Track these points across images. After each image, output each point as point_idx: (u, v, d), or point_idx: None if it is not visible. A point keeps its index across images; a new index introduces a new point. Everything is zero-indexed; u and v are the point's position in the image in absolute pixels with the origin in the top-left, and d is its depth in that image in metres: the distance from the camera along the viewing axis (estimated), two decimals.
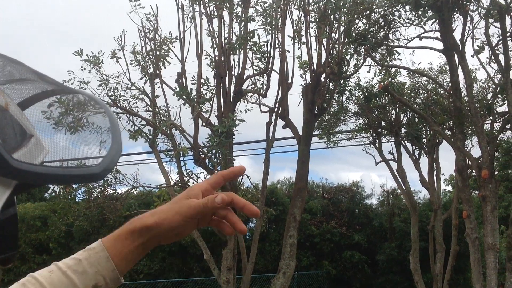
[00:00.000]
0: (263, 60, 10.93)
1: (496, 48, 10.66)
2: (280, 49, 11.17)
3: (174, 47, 10.55)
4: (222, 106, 10.35)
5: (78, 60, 10.41)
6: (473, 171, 10.93)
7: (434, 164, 15.98)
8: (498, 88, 11.92)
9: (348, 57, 11.81)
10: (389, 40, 11.53)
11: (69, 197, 12.51)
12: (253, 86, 11.36)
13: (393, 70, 14.62)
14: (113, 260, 0.95)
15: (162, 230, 1.01)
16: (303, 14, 11.27)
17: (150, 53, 10.62)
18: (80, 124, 0.90)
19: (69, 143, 0.92)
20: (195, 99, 9.72)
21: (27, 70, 0.83)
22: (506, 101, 10.40)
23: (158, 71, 10.54)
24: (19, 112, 0.77)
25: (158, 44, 10.52)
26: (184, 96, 9.56)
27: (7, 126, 0.70)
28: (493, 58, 10.76)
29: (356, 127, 16.68)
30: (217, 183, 1.13)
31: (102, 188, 11.47)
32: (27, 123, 0.78)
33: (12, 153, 0.68)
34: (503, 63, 10.11)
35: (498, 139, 12.47)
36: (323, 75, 11.19)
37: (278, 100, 11.30)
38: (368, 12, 10.75)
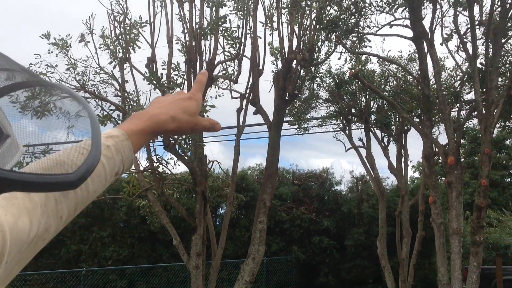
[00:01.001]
0: (234, 46, 10.87)
1: (464, 37, 10.82)
2: (252, 35, 11.13)
3: (144, 31, 10.40)
4: None
5: (45, 43, 10.19)
6: (440, 158, 11.12)
7: (402, 151, 16.20)
8: (466, 76, 12.12)
9: (319, 44, 11.85)
10: (360, 28, 11.59)
11: None
12: (224, 72, 11.30)
13: (363, 57, 14.72)
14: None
15: (174, 133, 1.15)
16: (275, 0, 11.23)
17: (120, 37, 10.44)
18: (47, 108, 0.88)
19: (36, 128, 0.89)
20: (165, 84, 9.62)
21: (4, 59, 0.80)
22: (473, 89, 10.58)
23: (127, 56, 10.38)
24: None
25: (128, 28, 10.35)
26: (154, 81, 9.44)
27: None
28: (461, 46, 10.93)
29: (327, 114, 16.78)
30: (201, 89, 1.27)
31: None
32: (4, 121, 0.75)
33: None
34: (470, 52, 10.28)
35: (465, 126, 12.72)
36: (294, 62, 11.20)
37: (249, 86, 11.29)
38: None
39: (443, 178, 13.16)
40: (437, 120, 14.37)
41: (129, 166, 1.07)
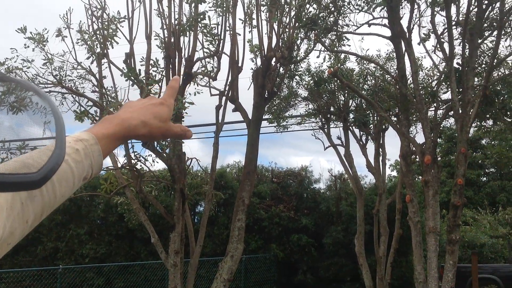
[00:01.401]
0: (213, 42, 10.83)
1: (441, 37, 10.94)
2: (231, 32, 11.10)
3: (123, 26, 10.31)
4: None
5: (20, 37, 10.03)
6: (417, 156, 11.22)
7: (380, 149, 16.33)
8: (443, 76, 12.26)
9: (298, 42, 11.87)
10: (339, 26, 11.64)
11: None
12: (203, 68, 11.25)
13: (342, 56, 14.80)
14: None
15: (145, 139, 1.12)
16: None
17: (97, 32, 10.33)
18: (23, 104, 0.86)
19: (12, 123, 0.87)
20: (144, 81, 9.55)
21: None
22: (449, 89, 10.70)
23: (105, 51, 10.27)
24: None
25: (106, 23, 10.25)
26: (132, 77, 9.37)
27: None
28: (438, 46, 11.04)
29: (306, 112, 16.84)
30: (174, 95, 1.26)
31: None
32: None
33: None
34: (447, 52, 10.39)
35: (441, 126, 12.85)
36: (274, 60, 11.21)
37: (228, 83, 11.26)
38: None
39: (420, 177, 13.29)
40: (414, 119, 14.52)
41: (98, 171, 1.06)
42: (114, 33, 10.23)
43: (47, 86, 10.36)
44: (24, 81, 0.88)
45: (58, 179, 0.93)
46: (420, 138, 12.31)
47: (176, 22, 10.26)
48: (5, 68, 10.03)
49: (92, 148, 1.01)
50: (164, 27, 10.25)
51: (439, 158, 11.65)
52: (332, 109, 16.46)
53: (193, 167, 12.86)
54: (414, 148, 11.27)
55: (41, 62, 10.31)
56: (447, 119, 13.43)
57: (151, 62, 10.11)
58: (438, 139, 12.85)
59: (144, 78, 9.64)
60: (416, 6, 10.78)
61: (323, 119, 16.69)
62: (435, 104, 13.16)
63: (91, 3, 10.20)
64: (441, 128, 12.71)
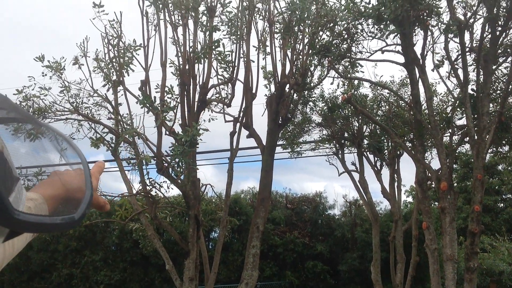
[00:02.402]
0: (227, 69, 10.96)
1: (455, 63, 10.93)
2: (245, 59, 11.21)
3: (138, 54, 10.47)
4: (186, 115, 10.30)
5: (38, 65, 10.22)
6: (433, 183, 11.12)
7: (395, 175, 16.21)
8: (457, 101, 12.21)
9: (312, 69, 11.93)
10: (352, 53, 11.69)
11: None
12: (217, 95, 11.36)
13: (356, 82, 14.82)
14: None
15: (77, 203, 1.10)
16: (268, 25, 11.35)
17: (114, 60, 10.50)
18: (40, 131, 0.89)
19: (29, 149, 0.91)
20: (159, 107, 9.65)
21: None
22: (464, 115, 10.65)
23: (121, 79, 10.42)
24: (8, 154, 0.76)
25: (122, 51, 10.41)
26: (147, 104, 9.47)
27: (3, 171, 0.69)
28: (452, 72, 11.02)
29: (320, 138, 16.82)
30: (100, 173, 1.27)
31: None
32: (13, 164, 0.77)
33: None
34: (462, 78, 10.37)
35: (457, 151, 12.75)
36: (287, 86, 11.27)
37: (242, 109, 11.33)
38: (331, 24, 10.90)
39: (436, 203, 13.15)
40: (429, 145, 14.42)
41: (16, 252, 1.10)
42: (130, 61, 10.39)
43: (64, 113, 10.51)
44: (54, 128, 0.93)
45: None
46: (435, 164, 12.23)
47: (190, 49, 10.39)
48: (23, 95, 10.21)
49: (41, 206, 1.06)
50: (179, 54, 10.39)
51: (455, 184, 11.56)
52: (346, 135, 16.43)
53: (207, 193, 12.86)
54: (429, 174, 11.17)
55: (58, 89, 10.49)
56: (462, 145, 13.33)
57: (166, 89, 10.23)
58: (454, 165, 12.74)
59: (159, 105, 9.74)
60: (429, 33, 10.80)
61: (337, 145, 16.65)
62: (450, 130, 13.08)
63: (108, 31, 10.39)
64: (456, 154, 12.61)
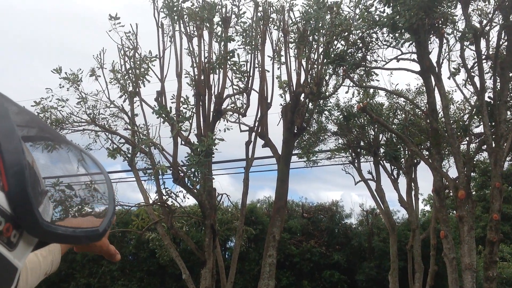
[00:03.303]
0: (242, 79, 11.01)
1: (471, 71, 10.86)
2: (260, 69, 11.26)
3: (154, 65, 10.58)
4: (202, 125, 10.36)
5: (53, 76, 10.37)
6: (450, 191, 11.03)
7: (412, 184, 16.10)
8: (474, 109, 12.11)
9: (327, 78, 11.93)
10: (367, 61, 11.66)
11: None
12: (232, 105, 11.40)
13: (371, 90, 14.78)
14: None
15: (90, 248, 1.20)
16: (282, 35, 11.39)
17: (130, 71, 10.61)
18: (34, 145, 0.91)
19: (48, 160, 0.93)
20: (175, 118, 9.72)
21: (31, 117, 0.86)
22: (481, 123, 10.56)
23: (137, 90, 10.53)
24: (37, 168, 0.79)
25: (138, 62, 10.52)
26: (163, 115, 9.55)
27: (35, 184, 0.72)
28: (469, 80, 10.95)
29: (335, 147, 16.77)
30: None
31: (80, 207, 11.33)
32: (41, 178, 0.80)
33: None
34: (478, 85, 10.29)
35: (475, 160, 12.63)
36: (302, 95, 11.28)
37: (257, 119, 11.36)
38: (346, 33, 10.90)
39: (454, 212, 13.02)
40: (446, 153, 14.31)
41: (55, 268, 1.20)
42: (146, 72, 10.50)
43: (81, 124, 10.64)
44: (81, 147, 0.97)
45: (31, 268, 1.06)
46: (453, 173, 12.12)
47: (206, 60, 10.47)
48: (40, 107, 10.35)
49: (55, 246, 1.15)
50: (194, 65, 10.46)
51: (473, 193, 11.44)
52: (362, 143, 16.37)
53: (223, 202, 12.87)
54: (447, 183, 11.08)
55: (75, 101, 10.63)
56: (480, 153, 13.20)
57: (182, 99, 10.31)
58: (472, 173, 12.62)
59: (175, 115, 9.81)
60: (445, 41, 10.75)
61: (353, 154, 16.59)
62: (467, 138, 12.97)
63: (124, 43, 10.51)
64: (474, 162, 12.49)
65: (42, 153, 0.90)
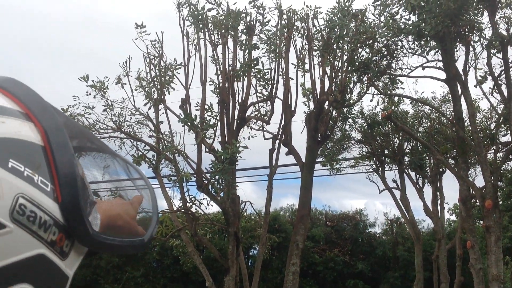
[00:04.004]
0: (266, 87, 11.03)
1: (498, 78, 10.71)
2: (284, 77, 11.26)
3: (179, 73, 10.66)
4: (226, 133, 10.40)
5: (79, 83, 10.52)
6: (477, 201, 10.86)
7: (438, 193, 15.91)
8: (501, 118, 11.93)
9: (351, 85, 11.88)
10: (392, 69, 11.58)
11: None
12: (256, 113, 11.43)
13: (396, 98, 14.67)
14: None
15: (117, 230, 1.18)
16: (306, 43, 11.39)
17: (155, 79, 10.72)
18: (80, 154, 0.94)
19: (96, 171, 0.96)
20: (199, 125, 9.78)
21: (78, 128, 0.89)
22: (509, 131, 10.39)
23: (162, 97, 10.62)
24: (87, 180, 0.82)
25: (163, 70, 10.63)
26: (188, 122, 9.61)
27: (85, 195, 0.75)
28: (495, 88, 10.80)
29: (360, 155, 16.68)
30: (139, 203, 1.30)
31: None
32: (90, 189, 0.83)
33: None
34: (505, 93, 10.14)
35: (502, 169, 12.42)
36: (326, 103, 11.24)
37: (281, 127, 11.36)
38: (371, 41, 10.84)
39: (480, 222, 12.83)
40: (473, 162, 14.11)
41: None
42: (170, 79, 10.59)
43: (107, 131, 10.77)
44: (126, 159, 1.00)
45: None
46: (480, 182, 11.93)
47: (230, 68, 10.52)
48: (67, 114, 10.52)
49: None
50: (219, 73, 10.53)
51: (500, 202, 11.26)
52: (386, 151, 16.24)
53: (246, 210, 12.90)
54: (474, 192, 10.92)
55: (101, 108, 10.77)
56: (508, 162, 12.98)
57: (206, 107, 10.37)
58: (499, 183, 12.41)
59: (199, 123, 9.87)
60: (471, 49, 10.62)
61: (378, 162, 16.46)
62: (494, 147, 12.77)
63: (149, 51, 10.63)
64: (501, 171, 12.29)
65: (91, 164, 0.92)
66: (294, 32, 11.35)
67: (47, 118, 0.72)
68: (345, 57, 11.14)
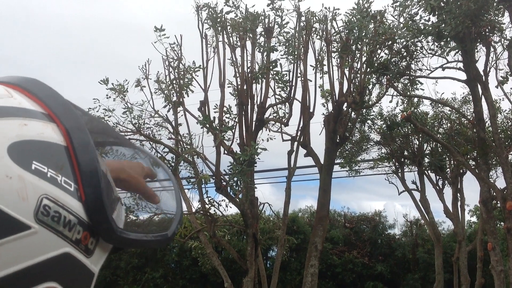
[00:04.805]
0: (285, 89, 11.03)
1: None
2: (302, 78, 11.25)
3: (198, 76, 10.71)
4: (244, 135, 10.43)
5: (99, 86, 10.62)
6: (498, 202, 10.74)
7: (458, 194, 15.76)
8: None
9: (370, 87, 11.83)
10: (412, 70, 11.51)
11: None
12: (275, 114, 11.43)
13: (415, 99, 14.57)
14: None
15: (123, 185, 1.14)
16: (325, 44, 11.36)
17: (174, 81, 10.78)
18: (103, 151, 0.96)
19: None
20: (218, 127, 9.82)
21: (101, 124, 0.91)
22: None
23: (181, 100, 10.68)
24: (110, 176, 0.84)
25: (182, 73, 10.69)
26: (207, 124, 9.66)
27: (109, 192, 0.76)
28: None
29: (379, 156, 16.59)
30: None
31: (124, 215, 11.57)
32: (114, 185, 0.85)
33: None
34: None
35: None
36: (345, 104, 11.21)
37: (299, 128, 11.35)
38: (390, 42, 10.78)
39: (502, 223, 12.67)
40: (494, 163, 13.95)
41: None
42: (189, 82, 10.64)
43: (126, 134, 10.87)
44: (145, 150, 1.01)
45: None
46: (501, 183, 11.80)
47: (248, 70, 10.55)
48: None
49: None
50: (237, 75, 10.56)
51: None
52: (406, 153, 16.13)
53: (265, 211, 12.91)
54: (495, 194, 10.80)
55: (121, 111, 10.86)
56: None
57: (225, 109, 10.42)
58: None
59: (218, 125, 9.91)
60: (492, 49, 10.51)
61: (397, 164, 16.36)
62: None
63: (168, 54, 10.70)
64: None
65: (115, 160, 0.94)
66: (312, 34, 11.34)
67: (69, 118, 0.73)
68: (364, 59, 11.10)
